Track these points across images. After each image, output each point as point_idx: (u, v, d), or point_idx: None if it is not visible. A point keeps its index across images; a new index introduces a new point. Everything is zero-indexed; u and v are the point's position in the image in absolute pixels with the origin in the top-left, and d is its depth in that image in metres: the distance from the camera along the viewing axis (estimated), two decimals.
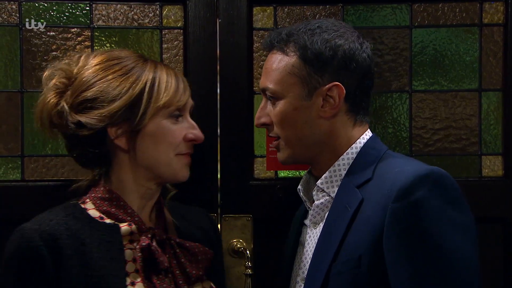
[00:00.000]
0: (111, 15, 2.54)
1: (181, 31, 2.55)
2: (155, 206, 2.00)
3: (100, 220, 1.89)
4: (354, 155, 1.84)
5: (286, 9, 2.58)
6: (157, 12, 2.56)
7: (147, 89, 1.88)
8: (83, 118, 1.87)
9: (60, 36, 2.51)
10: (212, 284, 1.99)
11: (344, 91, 1.79)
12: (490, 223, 2.54)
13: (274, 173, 2.56)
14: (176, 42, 2.55)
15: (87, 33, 2.52)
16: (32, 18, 2.50)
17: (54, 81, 1.94)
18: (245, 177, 2.51)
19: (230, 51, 2.50)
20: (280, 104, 1.83)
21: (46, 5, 2.51)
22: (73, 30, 2.52)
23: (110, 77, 1.89)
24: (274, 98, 1.85)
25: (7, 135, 2.51)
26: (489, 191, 2.54)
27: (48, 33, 2.51)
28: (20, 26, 2.49)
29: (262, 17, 2.58)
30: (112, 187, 1.93)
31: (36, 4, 2.51)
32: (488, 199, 2.53)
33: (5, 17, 2.50)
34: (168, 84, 1.90)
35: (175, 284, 1.89)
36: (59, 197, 2.49)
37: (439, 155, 2.59)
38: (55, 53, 2.51)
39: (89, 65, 1.93)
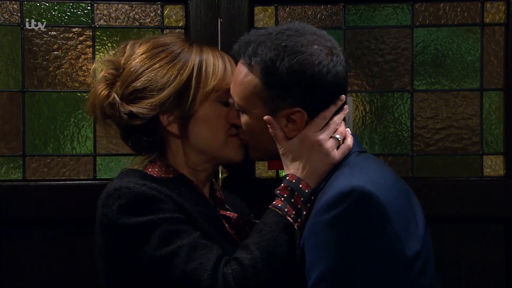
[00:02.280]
0: (112, 15, 2.54)
1: (182, 30, 2.55)
2: (210, 187, 2.02)
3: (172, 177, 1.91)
4: None
5: (287, 9, 2.58)
6: (158, 11, 2.56)
7: (194, 74, 1.87)
8: (134, 108, 1.87)
9: (61, 35, 2.52)
10: None
11: (306, 116, 1.75)
12: (492, 223, 2.54)
13: (275, 173, 2.56)
14: None
15: (89, 32, 2.53)
16: (33, 18, 2.50)
17: (103, 73, 1.94)
18: (246, 177, 2.51)
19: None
20: (245, 118, 1.82)
21: (47, 4, 2.51)
22: (74, 29, 2.53)
23: (157, 65, 1.88)
24: (239, 110, 1.83)
25: (9, 135, 2.52)
26: (491, 190, 2.54)
27: (50, 32, 2.51)
28: (22, 26, 2.49)
29: (263, 16, 2.58)
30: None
31: (37, 4, 2.51)
32: (490, 198, 2.53)
33: (7, 16, 2.50)
34: (215, 67, 1.89)
35: None
36: (60, 197, 2.50)
37: (441, 154, 2.58)
38: (56, 52, 2.51)
39: (136, 55, 1.92)
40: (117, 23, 2.54)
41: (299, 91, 1.72)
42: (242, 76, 1.78)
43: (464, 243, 2.55)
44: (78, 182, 2.54)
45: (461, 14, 2.57)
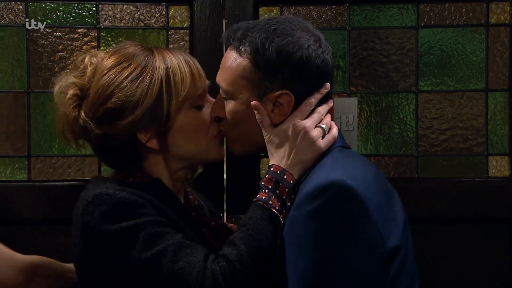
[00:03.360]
0: (117, 16, 2.54)
1: (187, 31, 2.55)
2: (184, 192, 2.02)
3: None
4: None
5: (292, 9, 2.58)
6: (163, 12, 2.56)
7: (164, 86, 1.83)
8: (109, 130, 1.84)
9: (66, 36, 2.52)
10: None
11: (293, 99, 1.76)
12: (497, 223, 2.54)
13: None
14: (182, 43, 2.55)
15: (94, 33, 2.53)
16: (38, 18, 2.51)
17: (68, 96, 1.88)
18: (251, 177, 2.51)
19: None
20: (232, 104, 1.81)
21: (52, 5, 2.51)
22: (79, 30, 2.53)
23: (125, 83, 1.83)
24: (226, 97, 1.83)
25: (14, 136, 2.52)
26: (496, 191, 2.53)
27: (55, 33, 2.51)
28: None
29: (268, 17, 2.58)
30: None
31: (43, 5, 2.51)
32: (495, 199, 2.52)
33: (12, 17, 2.50)
34: (183, 75, 1.86)
35: None
36: (66, 197, 2.50)
37: (446, 155, 2.58)
38: (61, 53, 2.51)
39: (100, 73, 1.86)
40: (122, 24, 2.54)
41: (287, 72, 1.74)
42: (230, 61, 1.80)
43: (469, 244, 2.54)
44: (83, 182, 2.54)
45: (466, 14, 2.56)
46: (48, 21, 2.51)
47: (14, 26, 2.50)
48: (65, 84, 1.91)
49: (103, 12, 2.54)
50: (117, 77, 1.85)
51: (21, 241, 2.52)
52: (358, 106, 2.56)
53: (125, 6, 2.54)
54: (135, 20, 2.55)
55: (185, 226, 1.83)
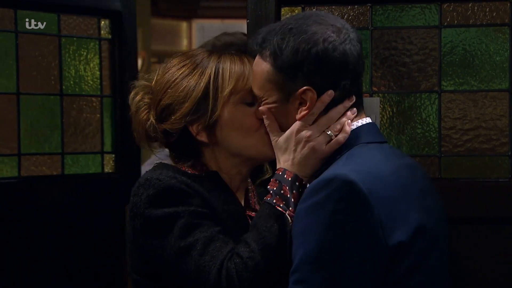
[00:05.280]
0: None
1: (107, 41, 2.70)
2: (246, 189, 2.06)
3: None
4: None
5: (314, 10, 2.58)
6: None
7: (211, 81, 1.92)
8: (166, 126, 1.94)
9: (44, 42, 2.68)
10: None
11: (316, 95, 1.78)
12: None
13: None
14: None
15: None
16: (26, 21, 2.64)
17: (139, 97, 2.01)
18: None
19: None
20: (265, 108, 1.85)
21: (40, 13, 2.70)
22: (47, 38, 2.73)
23: (178, 80, 1.94)
24: (260, 101, 1.86)
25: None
26: None
27: (45, 38, 2.64)
28: (16, 32, 2.61)
29: None
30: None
31: (30, 12, 2.67)
32: None
33: (2, 22, 2.62)
34: (232, 70, 1.93)
35: None
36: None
37: (469, 155, 2.57)
38: (44, 57, 2.66)
39: (161, 74, 1.98)
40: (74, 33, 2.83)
41: (307, 70, 1.76)
42: (256, 67, 1.85)
43: (493, 245, 2.53)
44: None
45: (489, 14, 2.55)
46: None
47: (4, 31, 2.63)
48: (138, 88, 2.03)
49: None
50: (173, 75, 1.96)
51: None
52: (380, 106, 2.56)
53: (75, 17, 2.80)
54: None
55: (230, 220, 1.89)
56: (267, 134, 1.91)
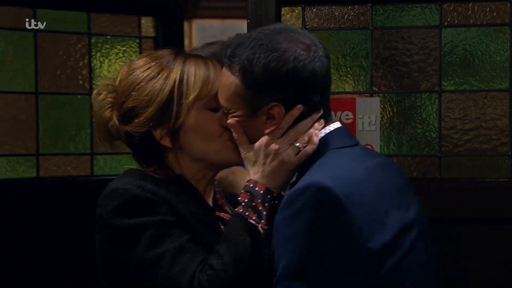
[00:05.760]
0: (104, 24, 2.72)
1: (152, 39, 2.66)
2: (213, 190, 2.04)
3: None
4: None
5: (314, 9, 2.58)
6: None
7: (176, 86, 1.89)
8: (129, 128, 1.91)
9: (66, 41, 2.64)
10: None
11: (284, 111, 1.78)
12: None
13: None
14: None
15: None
16: (45, 22, 2.60)
17: (102, 96, 1.97)
18: None
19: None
20: (231, 120, 1.85)
21: (59, 12, 2.62)
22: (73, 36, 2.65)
23: (142, 83, 1.91)
24: (226, 112, 1.86)
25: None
26: None
27: (60, 38, 2.62)
28: (35, 32, 2.58)
29: (290, 17, 2.58)
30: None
31: (48, 11, 2.60)
32: None
33: (21, 22, 2.58)
34: (196, 76, 1.91)
35: None
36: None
37: (469, 155, 2.57)
38: (64, 57, 2.61)
39: (125, 75, 1.95)
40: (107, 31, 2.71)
41: (276, 88, 1.76)
42: (224, 78, 1.83)
43: (493, 245, 2.53)
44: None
45: (490, 14, 2.55)
46: (54, 27, 2.61)
47: (23, 31, 2.59)
48: (101, 86, 1.99)
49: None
50: (138, 77, 1.92)
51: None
52: (380, 106, 2.55)
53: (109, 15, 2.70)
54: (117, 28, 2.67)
55: (199, 224, 1.87)
56: (231, 140, 1.90)
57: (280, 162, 1.81)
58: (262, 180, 1.82)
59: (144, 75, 1.91)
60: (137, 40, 2.79)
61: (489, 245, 2.53)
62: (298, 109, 1.78)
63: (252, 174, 1.84)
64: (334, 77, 2.62)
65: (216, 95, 1.89)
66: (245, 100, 1.79)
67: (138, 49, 2.74)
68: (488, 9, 2.55)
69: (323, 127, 1.82)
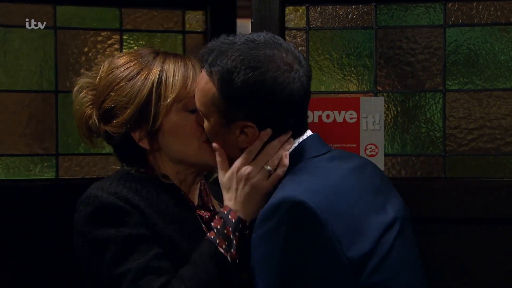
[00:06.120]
0: (139, 20, 2.59)
1: (202, 35, 2.61)
2: (199, 188, 2.03)
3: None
4: None
5: (318, 9, 2.58)
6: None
7: (154, 89, 1.87)
8: (108, 128, 1.90)
9: (92, 39, 2.56)
10: None
11: (257, 132, 1.77)
12: None
13: None
14: (198, 46, 2.60)
15: (116, 36, 2.57)
16: (65, 21, 2.55)
17: (82, 94, 1.96)
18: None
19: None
20: (206, 123, 1.85)
21: (80, 9, 2.56)
22: (103, 33, 2.57)
23: (121, 83, 1.89)
24: (201, 114, 1.86)
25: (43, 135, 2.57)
26: None
27: (81, 36, 2.56)
28: (55, 29, 2.53)
29: (294, 16, 2.58)
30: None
31: (70, 8, 2.55)
32: None
33: (40, 20, 2.55)
34: (175, 78, 1.89)
35: None
36: None
37: (473, 155, 2.56)
38: (88, 55, 2.55)
39: (105, 74, 1.93)
40: (142, 27, 2.58)
41: (252, 106, 1.74)
42: (203, 83, 1.81)
43: (497, 244, 2.53)
44: None
45: (494, 13, 2.55)
46: (76, 24, 2.55)
47: (43, 29, 2.54)
48: (82, 84, 1.97)
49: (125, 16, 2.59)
50: (117, 77, 1.90)
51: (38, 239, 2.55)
52: (384, 106, 2.55)
53: (146, 10, 2.57)
54: (155, 24, 2.59)
55: (179, 227, 1.86)
56: (209, 141, 1.90)
57: (252, 187, 1.79)
58: (235, 207, 1.80)
59: (123, 75, 1.90)
60: (180, 36, 2.67)
61: (493, 245, 2.53)
62: (267, 133, 1.76)
63: (226, 201, 1.82)
64: (338, 77, 2.62)
65: (194, 96, 1.89)
66: (220, 110, 1.77)
67: (181, 46, 2.64)
68: (492, 8, 2.54)
69: (296, 139, 1.80)
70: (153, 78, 1.88)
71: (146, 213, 1.83)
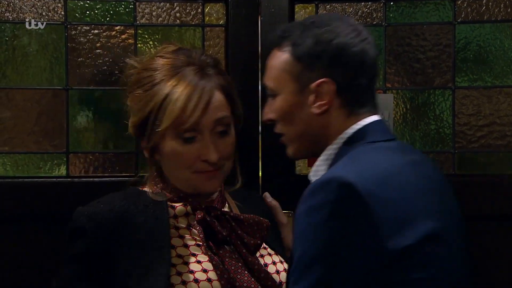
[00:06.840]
0: (154, 13, 2.56)
1: (223, 28, 2.56)
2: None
3: (151, 197, 1.98)
4: (336, 150, 1.82)
5: (327, 6, 2.58)
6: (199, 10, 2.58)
7: (154, 112, 1.91)
8: (129, 123, 2.01)
9: (104, 34, 2.55)
10: (270, 250, 2.03)
11: (334, 87, 1.77)
12: None
13: None
14: (217, 40, 2.57)
15: (131, 31, 2.55)
16: (76, 16, 2.53)
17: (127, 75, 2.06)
18: (286, 174, 2.51)
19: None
20: (278, 101, 1.85)
21: (91, 3, 2.54)
22: (116, 28, 2.55)
23: (139, 90, 1.96)
24: (272, 95, 1.86)
25: (53, 132, 2.55)
26: None
27: (93, 31, 2.54)
28: (66, 24, 2.53)
29: (303, 14, 2.58)
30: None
31: (81, 3, 2.54)
32: None
33: (51, 15, 2.54)
34: (175, 105, 1.89)
35: (238, 253, 1.94)
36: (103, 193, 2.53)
37: (483, 152, 2.56)
38: (99, 51, 2.54)
39: (140, 68, 2.00)
40: (158, 21, 2.55)
41: (326, 61, 1.77)
42: (273, 60, 1.85)
43: (508, 241, 2.52)
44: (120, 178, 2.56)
45: (504, 10, 2.54)
46: (87, 18, 2.54)
47: (53, 24, 2.53)
48: (128, 66, 2.06)
49: (139, 10, 2.56)
50: (144, 79, 1.96)
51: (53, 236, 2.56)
52: (394, 103, 2.55)
53: (161, 3, 2.56)
54: (171, 17, 2.56)
55: (150, 239, 1.90)
56: (202, 172, 1.92)
57: None
58: None
59: (143, 83, 1.96)
60: (199, 30, 2.58)
61: (504, 242, 2.52)
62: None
63: None
64: None
65: (193, 125, 1.89)
66: (293, 75, 1.79)
67: (200, 41, 2.57)
68: (502, 4, 2.54)
69: (362, 118, 1.81)
70: (157, 100, 1.91)
71: (107, 237, 1.87)
